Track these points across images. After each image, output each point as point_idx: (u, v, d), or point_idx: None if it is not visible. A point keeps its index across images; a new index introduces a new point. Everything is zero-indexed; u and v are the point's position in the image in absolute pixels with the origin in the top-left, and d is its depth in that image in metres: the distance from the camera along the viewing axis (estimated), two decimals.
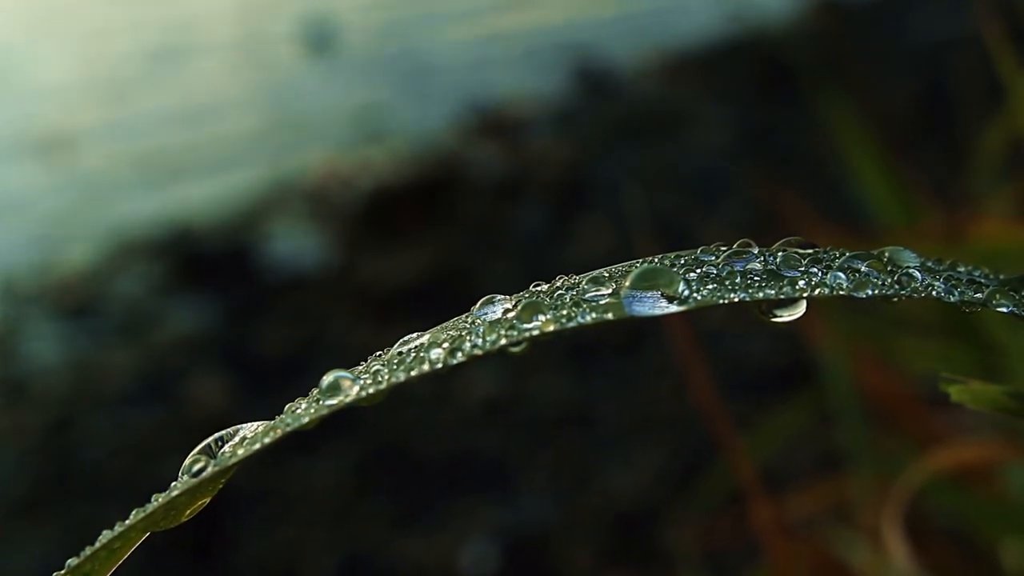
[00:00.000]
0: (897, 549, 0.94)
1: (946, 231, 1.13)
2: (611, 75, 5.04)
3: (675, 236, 3.29)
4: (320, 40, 5.85)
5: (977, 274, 0.35)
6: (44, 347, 3.53)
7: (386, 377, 0.34)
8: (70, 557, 0.36)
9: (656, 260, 0.35)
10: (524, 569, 2.46)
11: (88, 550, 0.35)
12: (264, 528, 2.62)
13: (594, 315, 0.32)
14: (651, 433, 2.73)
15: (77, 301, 3.74)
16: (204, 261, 3.90)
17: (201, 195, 4.38)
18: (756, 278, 0.34)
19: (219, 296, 3.67)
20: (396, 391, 0.34)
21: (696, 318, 2.69)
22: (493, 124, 4.66)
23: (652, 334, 2.99)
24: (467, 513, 2.59)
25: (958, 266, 0.36)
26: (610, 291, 0.34)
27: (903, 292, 0.33)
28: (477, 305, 0.36)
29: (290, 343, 3.33)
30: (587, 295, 0.34)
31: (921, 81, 4.13)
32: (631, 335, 3.06)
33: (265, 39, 6.08)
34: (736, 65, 4.83)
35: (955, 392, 0.39)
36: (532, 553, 2.48)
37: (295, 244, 3.97)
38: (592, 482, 2.64)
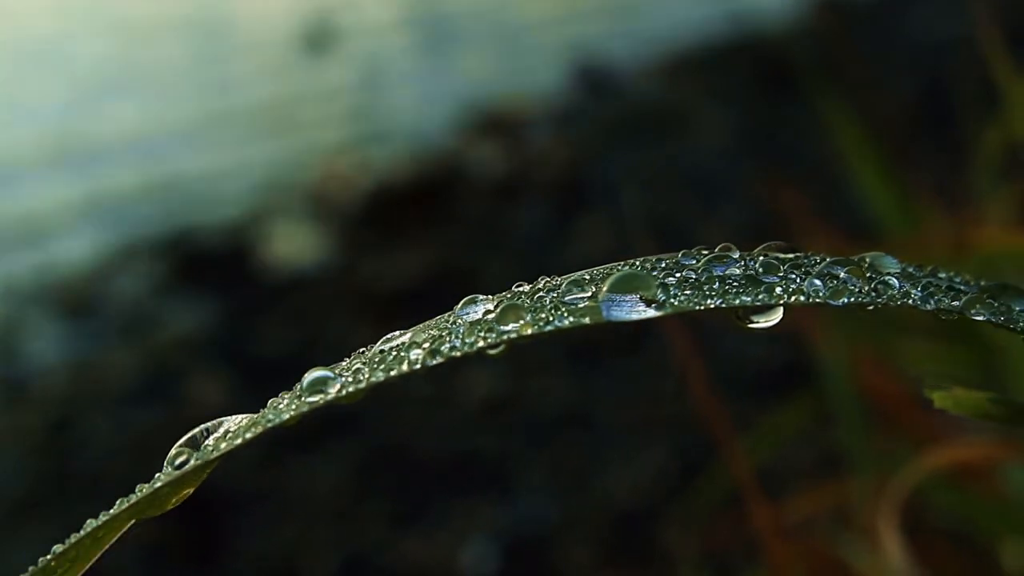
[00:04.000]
0: (892, 547, 0.94)
1: (947, 237, 1.13)
2: (611, 75, 5.04)
3: (675, 236, 3.29)
4: (320, 38, 5.85)
5: (958, 281, 0.35)
6: (44, 347, 3.53)
7: (366, 376, 0.34)
8: None
9: (637, 264, 0.35)
10: (524, 569, 2.46)
11: (73, 537, 0.36)
12: (264, 528, 2.62)
13: (572, 319, 0.32)
14: (651, 433, 2.73)
15: (77, 301, 3.74)
16: (204, 261, 3.90)
17: (199, 195, 4.38)
18: (734, 284, 0.34)
19: (219, 296, 3.67)
20: (396, 390, 0.34)
21: (696, 318, 2.68)
22: (493, 124, 4.66)
23: (652, 334, 2.99)
24: (467, 513, 2.59)
25: (939, 272, 0.35)
26: (590, 294, 0.34)
27: (879, 300, 0.33)
28: (459, 304, 0.36)
29: (290, 343, 3.33)
30: (567, 298, 0.34)
31: (921, 81, 4.13)
32: (631, 335, 3.06)
33: (264, 36, 6.08)
34: (736, 65, 4.83)
35: (938, 398, 0.38)
36: (532, 553, 2.48)
37: (295, 244, 3.97)
38: (592, 482, 2.64)
